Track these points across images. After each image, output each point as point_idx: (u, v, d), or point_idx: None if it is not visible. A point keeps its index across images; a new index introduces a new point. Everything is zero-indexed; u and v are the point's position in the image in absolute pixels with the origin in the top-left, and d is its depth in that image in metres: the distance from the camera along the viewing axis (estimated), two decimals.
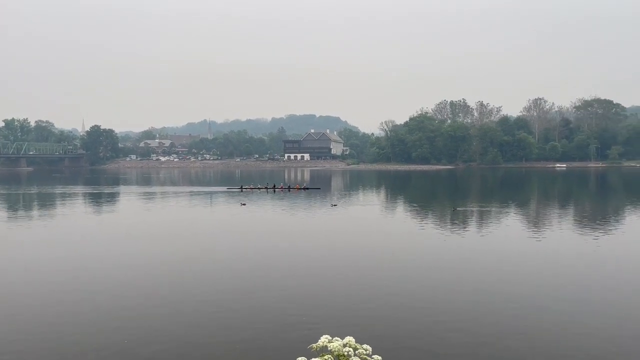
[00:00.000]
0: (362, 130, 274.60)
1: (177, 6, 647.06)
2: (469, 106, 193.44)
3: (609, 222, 33.06)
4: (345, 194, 58.00)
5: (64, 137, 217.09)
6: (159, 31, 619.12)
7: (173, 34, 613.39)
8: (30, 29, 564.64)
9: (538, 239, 26.21)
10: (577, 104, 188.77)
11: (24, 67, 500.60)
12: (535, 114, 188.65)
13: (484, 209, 39.83)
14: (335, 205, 42.47)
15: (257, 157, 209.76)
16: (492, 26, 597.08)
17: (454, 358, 11.02)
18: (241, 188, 63.90)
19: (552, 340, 11.94)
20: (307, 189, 63.17)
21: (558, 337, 12.11)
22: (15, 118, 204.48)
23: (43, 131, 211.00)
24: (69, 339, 12.17)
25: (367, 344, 2.89)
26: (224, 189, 66.62)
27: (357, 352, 2.78)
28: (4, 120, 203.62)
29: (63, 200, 54.19)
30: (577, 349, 11.50)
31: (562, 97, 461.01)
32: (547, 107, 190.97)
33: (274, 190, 61.33)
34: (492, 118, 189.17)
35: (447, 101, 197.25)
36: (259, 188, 63.56)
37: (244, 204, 43.51)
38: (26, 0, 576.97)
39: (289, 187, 64.54)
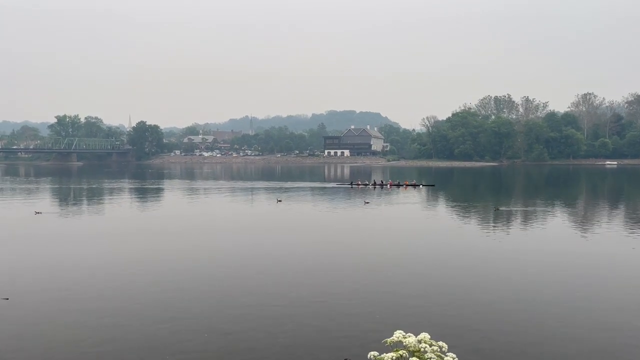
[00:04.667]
0: (402, 127, 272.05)
1: (218, 12, 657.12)
2: (513, 102, 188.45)
3: None
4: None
5: (111, 133, 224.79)
6: (203, 33, 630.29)
7: (217, 36, 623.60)
8: (75, 33, 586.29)
9: (585, 242, 25.50)
10: (630, 99, 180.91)
11: (77, 66, 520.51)
12: (584, 109, 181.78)
13: (527, 209, 38.78)
14: (368, 202, 42.39)
15: (297, 153, 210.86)
16: (539, 21, 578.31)
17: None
18: (351, 184, 63.95)
19: (599, 341, 11.72)
20: (419, 185, 61.01)
21: (605, 339, 11.87)
22: (66, 114, 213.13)
23: (92, 127, 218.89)
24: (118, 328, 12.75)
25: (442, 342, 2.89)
26: (334, 184, 67.18)
27: (431, 348, 2.75)
28: (56, 117, 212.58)
29: (119, 194, 56.26)
30: (624, 351, 11.22)
31: (614, 92, 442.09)
32: (597, 102, 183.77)
33: (382, 187, 60.08)
34: (538, 114, 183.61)
35: (491, 96, 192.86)
36: (366, 184, 62.78)
37: (280, 200, 44.03)
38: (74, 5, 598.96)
39: (398, 183, 62.44)
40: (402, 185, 60.64)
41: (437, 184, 65.85)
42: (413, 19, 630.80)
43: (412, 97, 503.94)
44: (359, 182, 64.26)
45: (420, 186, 60.99)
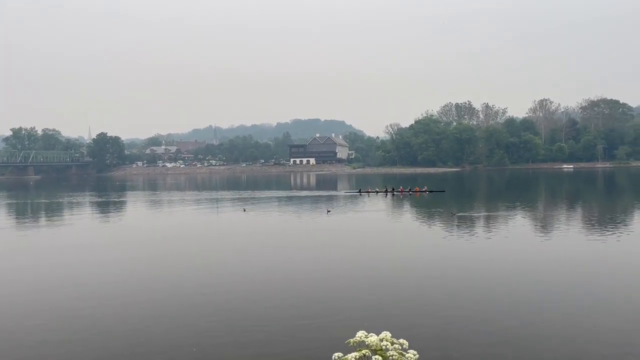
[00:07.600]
0: (367, 134, 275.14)
1: (179, 13, 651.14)
2: (474, 108, 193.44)
3: (618, 223, 32.88)
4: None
5: (70, 145, 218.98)
6: (162, 38, 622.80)
7: (176, 41, 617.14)
8: (32, 39, 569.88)
9: (548, 245, 26.17)
10: (584, 104, 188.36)
11: (30, 76, 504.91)
12: (541, 114, 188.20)
13: (485, 214, 39.04)
14: (330, 211, 42.05)
15: (262, 162, 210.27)
16: (494, 27, 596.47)
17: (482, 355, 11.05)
18: (359, 191, 63.59)
19: (567, 344, 11.97)
20: (430, 192, 60.22)
21: (569, 339, 12.14)
22: (22, 127, 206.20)
23: (50, 139, 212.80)
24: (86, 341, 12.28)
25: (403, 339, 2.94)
26: (343, 192, 66.33)
27: (393, 346, 2.80)
28: (11, 129, 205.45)
29: (79, 208, 54.54)
30: (586, 350, 11.49)
31: (568, 97, 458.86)
32: (553, 107, 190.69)
33: (393, 194, 59.68)
34: (498, 120, 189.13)
35: (452, 103, 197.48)
36: (376, 191, 62.30)
37: (245, 210, 43.79)
38: (28, 10, 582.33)
39: (409, 190, 62.02)
40: (413, 192, 60.56)
41: (447, 190, 65.84)
42: (380, 20, 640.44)
43: (375, 105, 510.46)
44: (369, 190, 64.39)
45: (428, 192, 60.54)
